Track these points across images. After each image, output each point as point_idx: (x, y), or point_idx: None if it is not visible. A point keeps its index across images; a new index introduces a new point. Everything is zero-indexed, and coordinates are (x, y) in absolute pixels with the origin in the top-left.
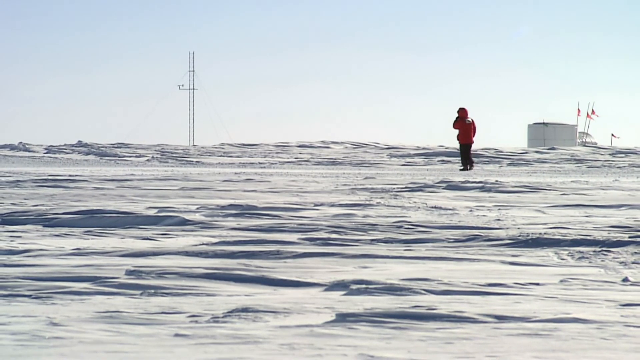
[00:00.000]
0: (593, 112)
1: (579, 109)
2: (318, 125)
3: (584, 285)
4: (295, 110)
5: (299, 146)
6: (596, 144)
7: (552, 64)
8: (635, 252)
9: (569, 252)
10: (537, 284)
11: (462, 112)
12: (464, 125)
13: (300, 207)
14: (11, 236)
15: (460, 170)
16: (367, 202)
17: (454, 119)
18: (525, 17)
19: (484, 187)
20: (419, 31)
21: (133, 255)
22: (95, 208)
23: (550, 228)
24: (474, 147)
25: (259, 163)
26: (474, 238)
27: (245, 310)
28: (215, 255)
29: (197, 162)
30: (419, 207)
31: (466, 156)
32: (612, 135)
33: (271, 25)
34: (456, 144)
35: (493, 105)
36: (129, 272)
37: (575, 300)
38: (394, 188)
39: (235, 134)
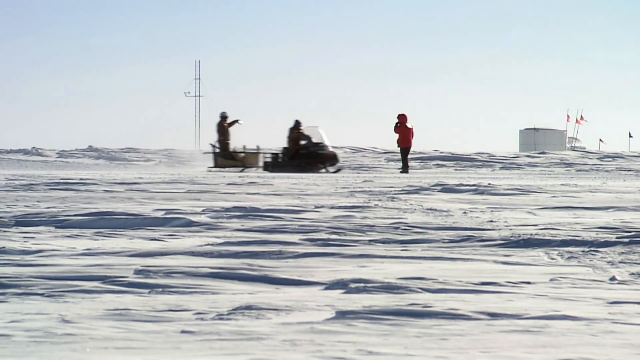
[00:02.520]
0: (582, 118)
1: (568, 115)
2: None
3: (573, 283)
4: (296, 115)
5: None
6: (585, 148)
7: (543, 71)
8: (622, 252)
9: (559, 252)
10: (528, 283)
11: (402, 118)
12: (405, 130)
13: (302, 209)
14: (25, 237)
15: (401, 172)
16: (366, 204)
17: (395, 124)
18: (516, 24)
19: (478, 190)
20: (414, 38)
21: (141, 255)
22: (105, 210)
23: (541, 229)
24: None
25: None
26: (468, 239)
27: (248, 308)
28: (220, 255)
29: (202, 165)
30: (415, 209)
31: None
32: (600, 140)
33: (273, 34)
34: (453, 149)
35: (486, 111)
36: (138, 272)
37: (564, 298)
38: (391, 191)
39: (239, 138)
